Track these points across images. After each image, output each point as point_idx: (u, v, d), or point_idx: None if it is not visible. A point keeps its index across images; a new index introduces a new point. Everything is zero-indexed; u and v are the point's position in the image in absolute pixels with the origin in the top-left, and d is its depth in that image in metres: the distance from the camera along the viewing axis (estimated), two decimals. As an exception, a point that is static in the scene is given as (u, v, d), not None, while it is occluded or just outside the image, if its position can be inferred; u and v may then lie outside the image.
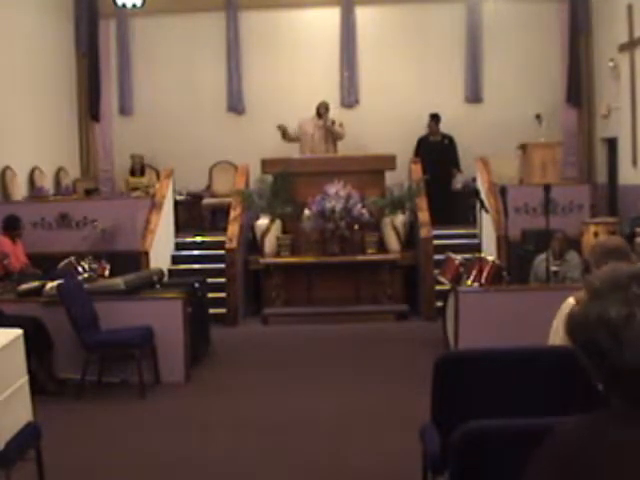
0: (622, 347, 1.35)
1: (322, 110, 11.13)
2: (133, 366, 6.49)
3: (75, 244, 9.39)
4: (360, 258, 9.59)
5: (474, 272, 7.65)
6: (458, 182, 12.06)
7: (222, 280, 9.40)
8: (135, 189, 11.78)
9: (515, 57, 12.27)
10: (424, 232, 9.50)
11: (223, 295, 9.35)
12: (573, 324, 1.45)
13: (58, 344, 6.59)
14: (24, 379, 4.05)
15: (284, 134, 10.93)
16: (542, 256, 7.94)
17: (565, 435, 1.43)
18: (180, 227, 11.01)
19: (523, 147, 11.18)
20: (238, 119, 12.71)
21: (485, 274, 7.59)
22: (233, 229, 9.77)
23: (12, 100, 10.38)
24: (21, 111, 10.69)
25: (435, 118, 11.92)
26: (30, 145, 10.97)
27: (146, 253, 9.23)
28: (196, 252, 10.43)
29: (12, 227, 8.77)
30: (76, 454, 5.06)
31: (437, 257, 8.99)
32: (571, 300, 3.70)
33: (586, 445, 1.37)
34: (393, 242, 9.77)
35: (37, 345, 6.22)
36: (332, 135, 11.13)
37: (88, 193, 11.60)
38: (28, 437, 3.98)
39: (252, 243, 10.24)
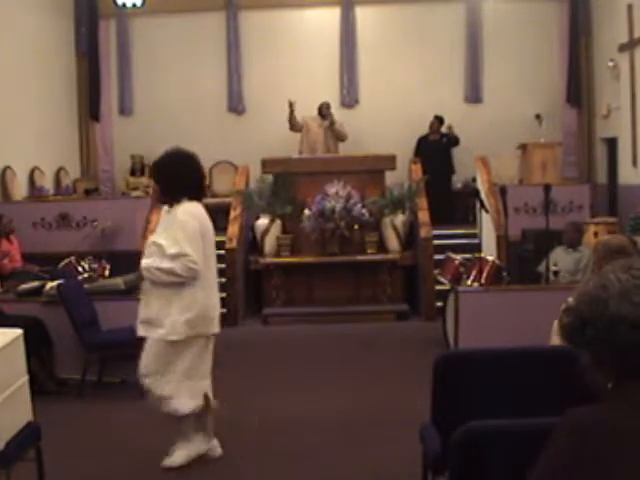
0: None
1: (324, 110, 11.14)
2: (133, 366, 6.47)
3: (75, 244, 9.39)
4: (360, 258, 9.59)
5: (474, 272, 7.65)
6: (458, 182, 12.06)
7: (222, 280, 9.38)
8: (135, 189, 11.77)
9: (515, 57, 12.27)
10: (424, 232, 9.50)
11: (223, 295, 9.32)
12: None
13: (58, 344, 6.58)
14: (24, 379, 4.04)
15: (291, 112, 11.03)
16: (561, 249, 7.80)
17: (575, 421, 1.43)
18: (180, 227, 10.98)
19: (523, 147, 11.18)
20: (238, 119, 12.71)
21: (485, 274, 7.59)
22: (233, 229, 9.77)
23: (12, 100, 10.36)
24: (21, 111, 10.68)
25: (439, 119, 11.94)
26: (30, 145, 10.96)
27: (146, 253, 9.21)
28: (196, 252, 10.40)
29: None
30: (76, 454, 5.06)
31: (437, 257, 8.99)
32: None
33: (594, 433, 1.36)
34: (393, 242, 9.76)
35: (37, 345, 6.23)
36: (335, 135, 11.13)
37: (88, 193, 11.60)
38: (28, 437, 3.98)
39: (252, 243, 10.24)
